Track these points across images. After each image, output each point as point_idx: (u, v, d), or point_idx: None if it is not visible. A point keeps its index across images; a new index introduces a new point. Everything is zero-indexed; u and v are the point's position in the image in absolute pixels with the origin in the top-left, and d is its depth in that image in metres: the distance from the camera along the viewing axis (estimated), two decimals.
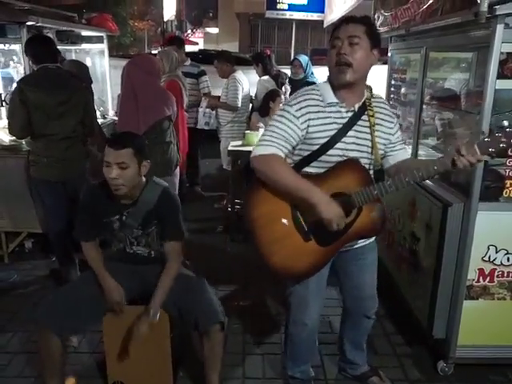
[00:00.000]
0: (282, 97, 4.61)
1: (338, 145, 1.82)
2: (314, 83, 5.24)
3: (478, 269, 2.29)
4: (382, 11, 3.34)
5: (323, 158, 1.83)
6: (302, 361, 2.29)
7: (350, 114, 1.84)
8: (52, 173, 3.05)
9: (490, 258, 2.28)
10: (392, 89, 3.55)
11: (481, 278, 2.30)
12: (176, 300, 2.13)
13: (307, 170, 1.87)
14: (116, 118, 4.47)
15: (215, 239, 4.30)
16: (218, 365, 2.17)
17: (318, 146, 1.83)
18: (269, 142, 1.81)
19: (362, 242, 2.01)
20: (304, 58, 5.27)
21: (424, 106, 2.93)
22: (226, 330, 2.14)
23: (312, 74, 5.34)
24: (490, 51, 2.01)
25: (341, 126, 1.82)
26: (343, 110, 1.84)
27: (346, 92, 1.84)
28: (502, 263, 2.28)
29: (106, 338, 2.23)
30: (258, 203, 1.90)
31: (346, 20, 1.80)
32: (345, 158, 1.83)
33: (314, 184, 1.77)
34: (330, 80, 1.86)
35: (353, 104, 1.85)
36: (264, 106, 4.55)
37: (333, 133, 1.82)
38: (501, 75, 2.05)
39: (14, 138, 3.21)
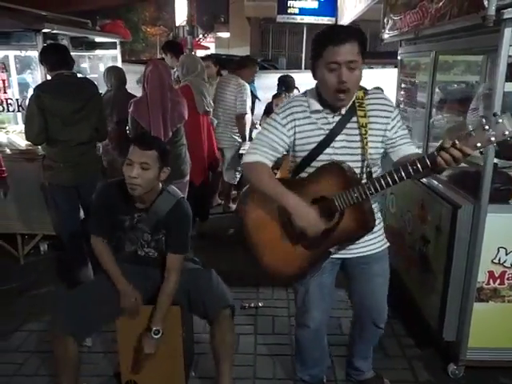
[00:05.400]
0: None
1: (327, 150, 1.82)
2: None
3: (488, 271, 2.29)
4: (392, 15, 3.35)
5: (314, 163, 1.85)
6: (309, 364, 2.29)
7: (337, 119, 1.82)
8: (66, 178, 3.12)
9: (500, 260, 2.28)
10: (402, 92, 3.55)
11: (491, 280, 2.30)
12: (186, 290, 2.16)
13: (302, 175, 1.90)
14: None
15: (227, 241, 4.34)
16: (230, 354, 2.16)
17: (307, 152, 1.85)
18: (254, 150, 1.88)
19: (367, 251, 1.96)
20: None
21: (433, 110, 2.95)
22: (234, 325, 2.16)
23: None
24: (499, 54, 2.02)
25: (328, 131, 1.83)
26: (329, 116, 1.83)
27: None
28: None
29: (120, 337, 2.27)
30: (251, 207, 1.97)
31: (342, 39, 1.64)
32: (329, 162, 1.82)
33: (296, 190, 1.79)
34: (317, 88, 1.84)
35: (339, 108, 1.81)
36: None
37: (320, 138, 1.82)
38: (509, 78, 2.06)
39: (29, 142, 3.27)
